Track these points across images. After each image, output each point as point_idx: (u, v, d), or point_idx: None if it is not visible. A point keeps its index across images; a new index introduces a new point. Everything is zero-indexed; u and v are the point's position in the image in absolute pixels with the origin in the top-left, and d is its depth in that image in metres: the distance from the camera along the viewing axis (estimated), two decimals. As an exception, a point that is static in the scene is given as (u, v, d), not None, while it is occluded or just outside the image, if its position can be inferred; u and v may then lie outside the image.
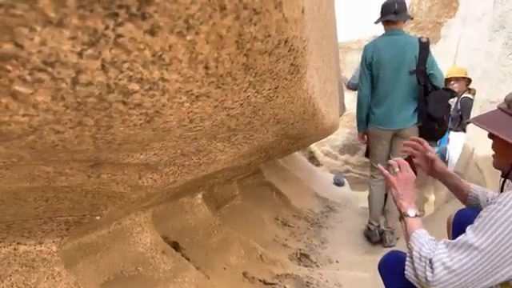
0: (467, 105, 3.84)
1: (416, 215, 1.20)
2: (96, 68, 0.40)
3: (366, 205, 4.27)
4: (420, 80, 2.82)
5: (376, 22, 3.07)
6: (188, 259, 1.99)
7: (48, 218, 1.13)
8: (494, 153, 1.21)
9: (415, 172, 1.33)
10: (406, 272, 1.09)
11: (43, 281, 1.24)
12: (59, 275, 1.28)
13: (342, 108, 4.44)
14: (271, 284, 2.14)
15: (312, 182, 4.75)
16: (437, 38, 6.02)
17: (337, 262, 2.75)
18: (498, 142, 1.16)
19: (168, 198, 1.98)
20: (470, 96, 3.91)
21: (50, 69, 0.38)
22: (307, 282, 2.26)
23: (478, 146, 3.28)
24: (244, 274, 2.20)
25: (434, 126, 2.87)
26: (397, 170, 1.29)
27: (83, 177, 0.94)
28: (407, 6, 3.11)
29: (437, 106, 2.81)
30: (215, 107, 0.60)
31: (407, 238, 1.16)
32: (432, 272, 1.00)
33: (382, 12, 2.99)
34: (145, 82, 0.45)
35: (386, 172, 1.31)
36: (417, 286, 1.06)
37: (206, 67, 0.47)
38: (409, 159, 1.40)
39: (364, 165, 5.79)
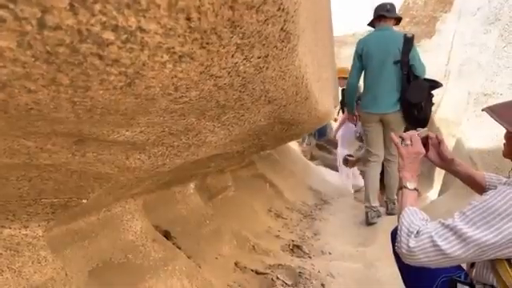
0: None
1: (415, 189, 1.21)
2: (64, 7, 0.36)
3: (359, 197, 4.29)
4: (403, 70, 3.17)
5: (369, 24, 3.52)
6: (179, 248, 1.97)
7: (32, 200, 1.09)
8: (504, 141, 1.19)
9: (427, 151, 1.36)
10: (396, 244, 1.09)
11: (28, 265, 1.21)
12: (45, 260, 1.25)
13: (336, 99, 4.43)
14: (263, 274, 2.12)
15: (306, 175, 4.74)
16: (432, 32, 6.02)
17: (329, 253, 2.75)
18: (509, 132, 1.14)
19: (159, 186, 1.95)
20: None
21: (12, 5, 0.34)
22: (299, 272, 2.25)
23: (472, 138, 3.29)
24: (236, 263, 2.18)
25: (413, 112, 3.17)
26: (408, 142, 1.29)
27: (67, 154, 0.90)
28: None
29: (415, 93, 3.13)
30: (201, 73, 0.57)
31: (400, 208, 1.16)
32: (416, 240, 1.00)
33: (375, 11, 3.41)
34: (121, 31, 0.42)
35: (397, 141, 1.32)
36: (401, 257, 1.06)
37: (188, 18, 0.44)
38: (425, 138, 1.39)
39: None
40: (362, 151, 4.86)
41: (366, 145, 3.57)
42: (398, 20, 3.45)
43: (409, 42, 3.17)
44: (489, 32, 3.38)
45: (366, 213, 3.44)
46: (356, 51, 3.40)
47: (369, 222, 3.40)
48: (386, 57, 3.21)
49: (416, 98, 3.12)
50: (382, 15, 3.33)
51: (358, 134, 5.11)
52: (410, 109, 3.18)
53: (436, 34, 6.05)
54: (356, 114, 3.81)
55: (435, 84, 3.24)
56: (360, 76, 3.47)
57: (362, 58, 3.35)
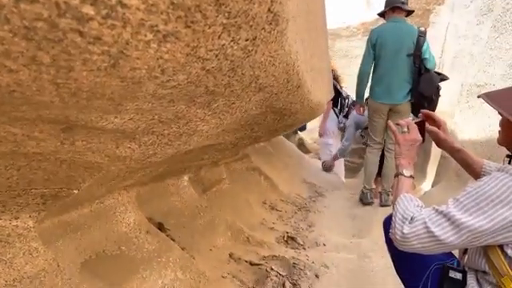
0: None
1: (411, 176, 1.21)
2: (38, -22, 0.36)
3: (354, 191, 4.31)
4: (415, 63, 3.26)
5: (379, 14, 3.55)
6: (173, 240, 1.96)
7: (22, 190, 1.08)
8: (499, 128, 1.19)
9: (424, 136, 1.35)
10: (390, 230, 1.09)
11: (19, 256, 1.20)
12: (36, 251, 1.24)
13: (330, 93, 4.45)
14: (257, 265, 2.13)
15: (300, 167, 4.75)
16: (426, 24, 6.01)
17: (324, 244, 2.76)
18: (504, 119, 1.14)
19: (153, 178, 1.94)
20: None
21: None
22: (294, 263, 2.25)
23: (465, 130, 3.30)
24: (230, 255, 2.18)
25: (423, 103, 3.26)
26: (405, 129, 1.30)
27: (56, 143, 0.89)
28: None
29: (427, 86, 3.24)
30: (187, 55, 0.57)
31: (396, 195, 1.17)
32: (410, 226, 1.00)
33: (389, 2, 3.43)
34: (100, 5, 0.41)
35: (394, 128, 1.33)
36: (395, 244, 1.06)
37: (170, -6, 0.44)
38: (421, 123, 1.39)
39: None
40: (345, 143, 5.00)
41: (371, 132, 3.68)
42: (409, 13, 3.48)
43: (422, 36, 3.27)
44: (482, 23, 3.39)
45: (366, 193, 3.62)
46: (370, 40, 3.45)
47: (367, 202, 3.59)
48: (400, 48, 3.29)
49: (428, 91, 3.25)
50: (398, 7, 3.36)
51: (341, 125, 5.25)
52: (421, 100, 3.29)
53: (430, 27, 6.05)
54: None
55: (443, 77, 3.37)
56: (372, 65, 3.51)
57: (375, 48, 3.40)
